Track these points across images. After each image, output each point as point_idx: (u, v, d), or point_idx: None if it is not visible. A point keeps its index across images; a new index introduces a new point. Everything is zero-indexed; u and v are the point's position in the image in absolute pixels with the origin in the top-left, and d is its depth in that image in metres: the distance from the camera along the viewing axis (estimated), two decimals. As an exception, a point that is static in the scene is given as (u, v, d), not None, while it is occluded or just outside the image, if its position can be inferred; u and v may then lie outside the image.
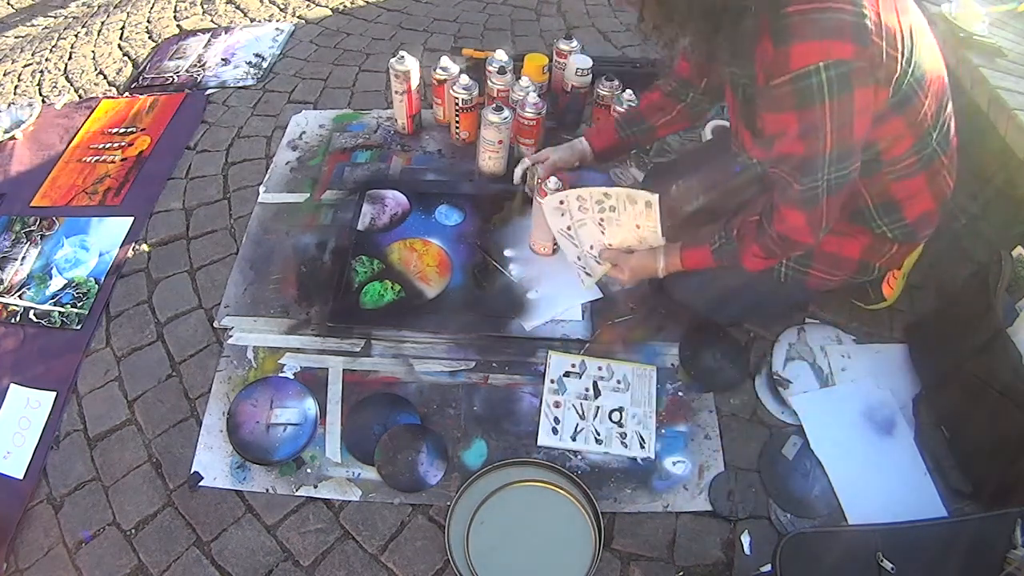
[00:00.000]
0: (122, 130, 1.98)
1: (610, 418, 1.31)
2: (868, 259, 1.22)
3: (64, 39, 2.48)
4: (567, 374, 1.37)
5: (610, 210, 1.28)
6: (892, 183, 1.11)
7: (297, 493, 1.23)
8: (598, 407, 1.33)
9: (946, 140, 1.11)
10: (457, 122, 1.78)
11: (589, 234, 1.36)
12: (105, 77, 2.25)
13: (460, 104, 1.72)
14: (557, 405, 1.33)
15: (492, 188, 1.71)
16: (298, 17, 2.45)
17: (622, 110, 1.62)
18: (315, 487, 1.24)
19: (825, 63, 0.90)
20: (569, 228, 1.38)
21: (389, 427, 1.30)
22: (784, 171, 1.05)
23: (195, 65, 2.23)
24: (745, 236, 1.17)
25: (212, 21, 2.48)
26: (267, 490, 1.24)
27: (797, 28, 0.91)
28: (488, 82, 1.77)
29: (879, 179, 1.10)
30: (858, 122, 0.97)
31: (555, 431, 1.30)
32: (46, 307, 1.55)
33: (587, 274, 1.45)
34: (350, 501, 1.23)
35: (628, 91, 1.65)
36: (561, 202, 1.34)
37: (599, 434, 1.30)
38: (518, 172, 1.54)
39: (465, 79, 1.68)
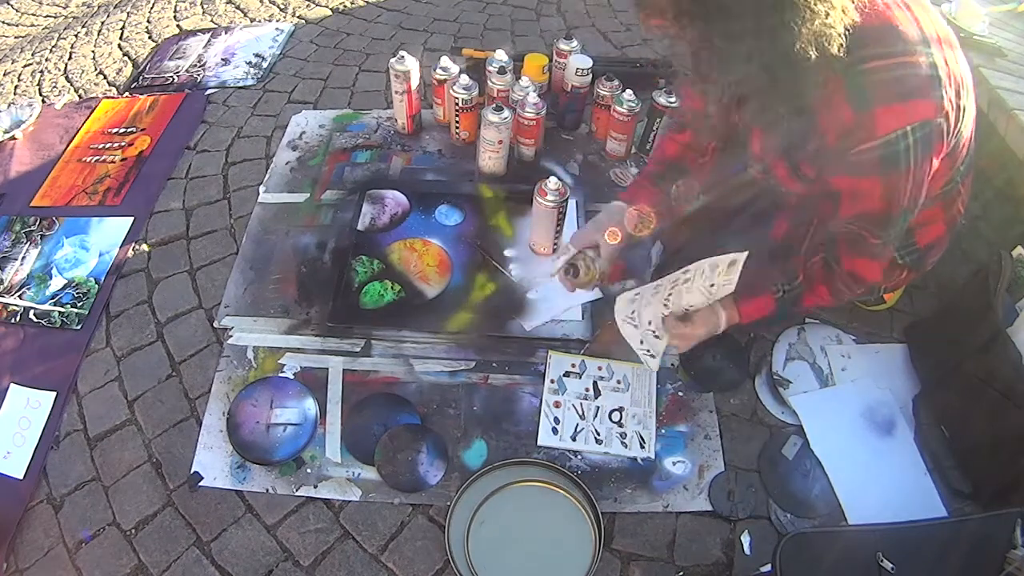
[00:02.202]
0: (122, 130, 1.98)
1: (610, 418, 1.31)
2: (877, 283, 1.19)
3: (64, 39, 2.48)
4: (567, 374, 1.37)
5: (683, 283, 1.11)
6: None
7: (297, 493, 1.23)
8: (598, 407, 1.33)
9: (967, 168, 1.09)
10: (457, 122, 1.78)
11: (651, 312, 1.18)
12: (105, 77, 2.25)
13: (460, 104, 1.72)
14: (557, 405, 1.33)
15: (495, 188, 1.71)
16: (298, 17, 2.45)
17: (633, 171, 1.58)
18: (315, 487, 1.24)
19: (912, 127, 0.88)
20: (633, 313, 1.21)
21: (389, 427, 1.30)
22: (859, 226, 1.03)
23: (195, 65, 2.23)
24: (814, 279, 1.14)
25: (212, 21, 2.48)
26: (267, 490, 1.24)
27: (879, 89, 0.87)
28: (488, 82, 1.77)
29: None
30: (931, 178, 0.96)
31: (555, 431, 1.30)
32: (46, 307, 1.55)
33: (651, 355, 1.21)
34: (350, 501, 1.23)
35: (628, 91, 1.65)
36: (637, 294, 1.20)
37: (599, 434, 1.30)
38: (560, 264, 1.30)
39: (465, 79, 1.68)
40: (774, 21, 0.81)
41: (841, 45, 0.83)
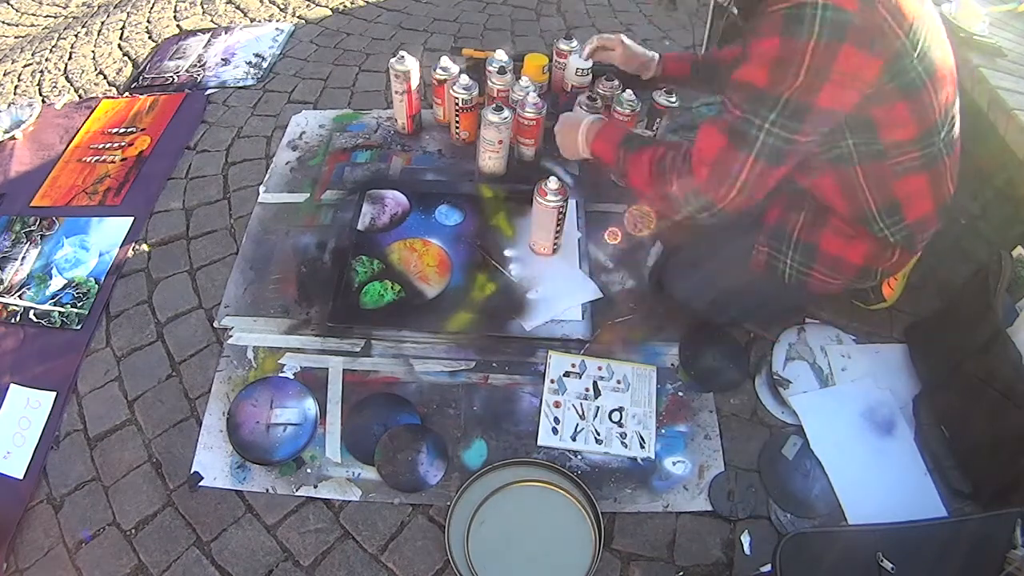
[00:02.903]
0: (122, 130, 1.98)
1: (610, 418, 1.31)
2: (870, 265, 1.21)
3: (64, 39, 2.48)
4: (567, 374, 1.37)
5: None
6: (894, 181, 1.09)
7: (297, 493, 1.23)
8: (598, 407, 1.33)
9: (951, 142, 1.09)
10: (457, 122, 1.78)
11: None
12: (105, 77, 2.25)
13: (460, 104, 1.72)
14: (557, 405, 1.33)
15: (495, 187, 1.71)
16: (298, 17, 2.45)
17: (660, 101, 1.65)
18: (315, 487, 1.24)
19: (825, 3, 0.88)
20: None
21: (389, 427, 1.30)
22: (733, 98, 1.00)
23: (195, 65, 2.23)
24: (658, 145, 1.17)
25: (212, 21, 2.48)
26: (267, 490, 1.24)
27: None
28: (488, 82, 1.77)
29: (881, 171, 1.07)
30: (833, 86, 0.93)
31: (555, 431, 1.30)
32: (46, 307, 1.55)
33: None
34: (350, 501, 1.23)
35: (628, 91, 1.65)
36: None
37: (599, 434, 1.30)
38: (586, 52, 1.65)
39: (465, 79, 1.68)
40: None
41: None
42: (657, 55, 1.62)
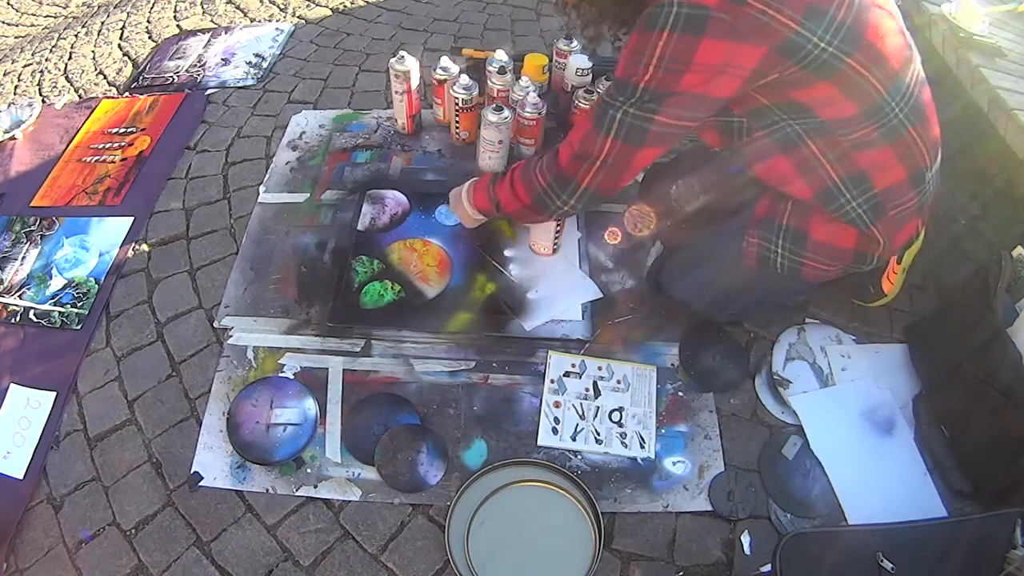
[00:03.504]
0: (122, 130, 1.98)
1: (610, 418, 1.31)
2: (863, 250, 1.18)
3: (64, 39, 2.48)
4: (567, 374, 1.37)
5: None
6: (854, 153, 1.06)
7: (297, 493, 1.23)
8: (598, 407, 1.33)
9: (916, 112, 1.06)
10: (457, 122, 1.78)
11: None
12: (105, 77, 2.25)
13: (460, 104, 1.72)
14: (557, 405, 1.33)
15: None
16: (298, 17, 2.45)
17: None
18: (315, 487, 1.24)
19: (681, 2, 0.92)
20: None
21: (389, 427, 1.30)
22: (607, 89, 1.08)
23: (195, 65, 2.23)
24: (525, 162, 1.23)
25: (212, 21, 2.48)
26: (267, 490, 1.24)
27: None
28: (488, 82, 1.77)
29: (836, 144, 1.05)
30: (694, 75, 0.97)
31: (555, 431, 1.30)
32: (46, 307, 1.55)
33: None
34: (350, 501, 1.23)
35: None
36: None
37: (599, 434, 1.30)
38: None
39: (465, 79, 1.68)
40: None
41: None
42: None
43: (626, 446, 1.28)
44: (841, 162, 1.07)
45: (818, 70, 0.97)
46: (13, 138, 1.99)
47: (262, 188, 1.76)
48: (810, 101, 1.02)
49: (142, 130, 1.98)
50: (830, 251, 1.19)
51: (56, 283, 1.60)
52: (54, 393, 1.39)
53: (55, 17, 2.71)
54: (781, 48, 0.95)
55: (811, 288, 1.40)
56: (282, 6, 2.52)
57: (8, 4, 2.81)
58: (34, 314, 1.54)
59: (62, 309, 1.54)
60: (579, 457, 1.27)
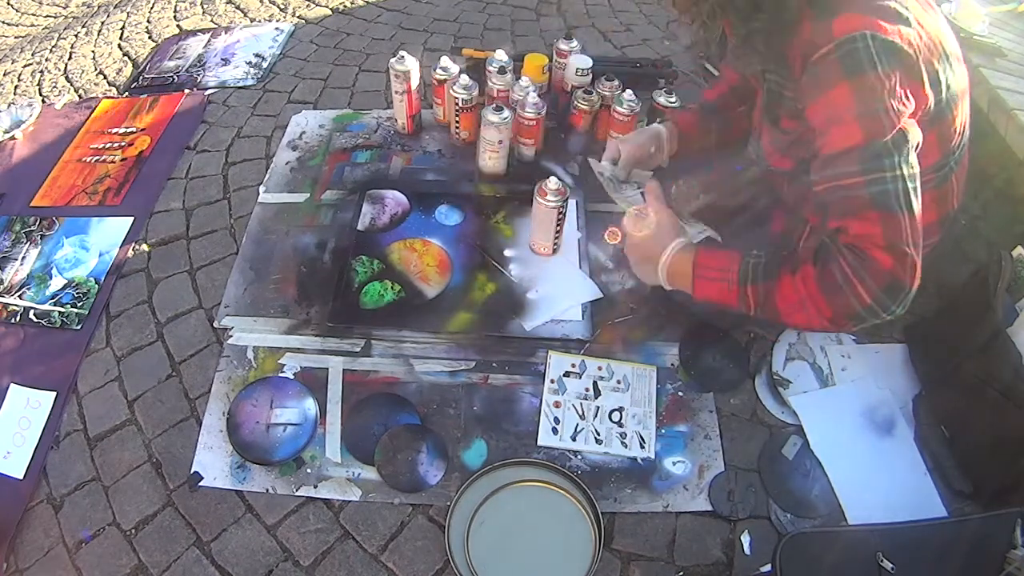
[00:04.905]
0: (122, 130, 1.98)
1: (610, 418, 1.31)
2: None
3: (64, 39, 2.48)
4: (567, 374, 1.37)
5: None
6: None
7: (297, 493, 1.23)
8: (598, 407, 1.33)
9: (961, 156, 1.07)
10: (457, 122, 1.78)
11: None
12: (105, 77, 2.25)
13: (460, 104, 1.72)
14: (557, 405, 1.33)
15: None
16: (298, 17, 2.45)
17: (622, 109, 1.61)
18: (315, 487, 1.24)
19: (870, 33, 0.85)
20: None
21: (389, 427, 1.30)
22: (842, 174, 0.90)
23: (195, 65, 2.23)
24: (800, 255, 0.99)
25: (212, 21, 2.48)
26: (267, 490, 1.24)
27: (843, 4, 0.88)
28: (488, 82, 1.77)
29: None
30: (911, 106, 0.88)
31: (555, 431, 1.30)
32: (46, 307, 1.55)
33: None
34: (350, 501, 1.23)
35: (628, 91, 1.65)
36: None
37: (599, 434, 1.30)
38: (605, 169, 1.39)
39: (465, 79, 1.68)
40: None
41: None
42: (663, 128, 1.40)
43: (626, 446, 1.28)
44: None
45: (936, 116, 0.94)
46: (13, 138, 1.99)
47: (262, 188, 1.76)
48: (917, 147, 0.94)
49: (142, 130, 1.98)
50: None
51: (56, 283, 1.60)
52: (54, 393, 1.39)
53: (55, 17, 2.71)
54: (936, 89, 0.91)
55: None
56: (282, 6, 2.52)
57: (8, 4, 2.81)
58: (34, 314, 1.54)
59: (62, 309, 1.54)
60: (579, 457, 1.27)
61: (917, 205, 0.89)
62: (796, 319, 1.00)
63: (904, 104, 0.88)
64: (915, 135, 0.90)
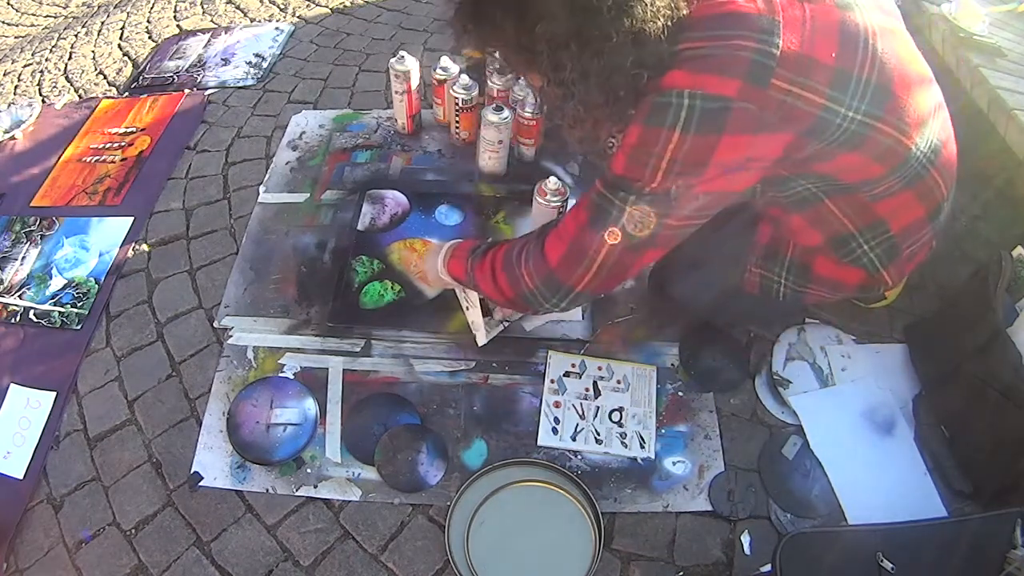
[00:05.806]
0: (122, 130, 1.98)
1: (610, 418, 1.31)
2: (869, 285, 1.16)
3: (64, 39, 2.48)
4: (567, 374, 1.37)
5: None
6: (872, 204, 1.00)
7: (297, 493, 1.23)
8: (598, 407, 1.33)
9: (935, 151, 1.00)
10: (457, 122, 1.78)
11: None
12: (105, 77, 2.25)
13: (460, 104, 1.72)
14: (557, 405, 1.33)
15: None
16: (298, 17, 2.45)
17: None
18: (315, 487, 1.24)
19: (696, 93, 0.80)
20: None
21: (389, 427, 1.30)
22: (604, 175, 0.93)
23: (195, 65, 2.23)
24: (504, 242, 1.09)
25: (212, 21, 2.48)
26: (267, 490, 1.24)
27: (681, 61, 0.83)
28: (488, 82, 1.77)
29: (855, 200, 1.00)
30: (713, 176, 0.85)
31: (555, 431, 1.30)
32: (46, 307, 1.55)
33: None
34: (350, 501, 1.23)
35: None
36: None
37: (599, 434, 1.30)
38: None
39: (465, 79, 1.68)
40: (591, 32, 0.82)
41: (660, 35, 0.82)
42: None
43: (626, 446, 1.28)
44: (859, 214, 1.02)
45: (846, 143, 0.88)
46: (13, 138, 1.99)
47: (262, 188, 1.76)
48: (835, 171, 0.94)
49: (142, 130, 1.98)
50: (835, 284, 1.17)
51: (56, 283, 1.60)
52: (54, 393, 1.39)
53: (55, 17, 2.71)
54: (808, 131, 0.86)
55: (810, 307, 1.42)
56: (282, 6, 2.52)
57: (8, 4, 2.81)
58: (34, 314, 1.54)
59: (62, 309, 1.54)
60: (579, 457, 1.27)
61: (648, 247, 0.93)
62: (492, 296, 1.15)
63: (703, 171, 0.86)
64: (701, 206, 0.90)
